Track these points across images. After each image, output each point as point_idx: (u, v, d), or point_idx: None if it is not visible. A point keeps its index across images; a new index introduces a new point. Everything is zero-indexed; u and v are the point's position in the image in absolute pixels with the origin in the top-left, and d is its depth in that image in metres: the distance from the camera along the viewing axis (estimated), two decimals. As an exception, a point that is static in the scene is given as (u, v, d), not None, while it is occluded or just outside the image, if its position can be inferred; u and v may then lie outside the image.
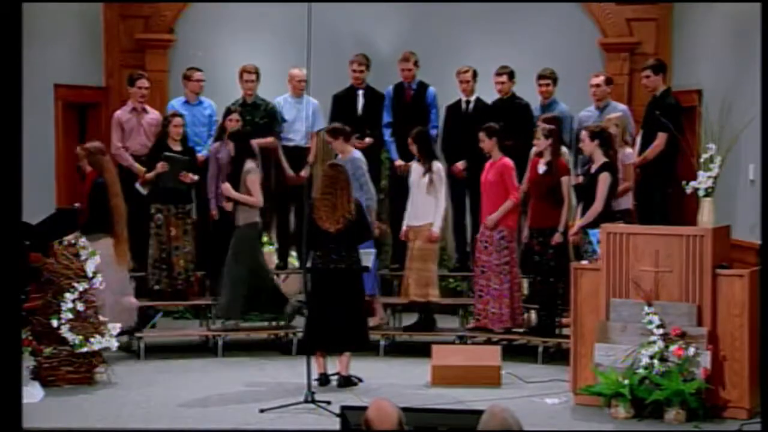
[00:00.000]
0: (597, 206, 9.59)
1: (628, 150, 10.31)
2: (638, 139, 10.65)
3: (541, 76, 11.22)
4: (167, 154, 10.87)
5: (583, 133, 9.80)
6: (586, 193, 9.80)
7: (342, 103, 11.65)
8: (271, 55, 12.22)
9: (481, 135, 10.44)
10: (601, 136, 9.65)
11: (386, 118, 11.56)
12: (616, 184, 9.75)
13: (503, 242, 10.32)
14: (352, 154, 10.61)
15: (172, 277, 10.92)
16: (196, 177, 10.97)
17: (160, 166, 10.86)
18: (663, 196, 10.36)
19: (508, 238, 10.33)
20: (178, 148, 10.97)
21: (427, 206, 10.45)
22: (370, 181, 10.72)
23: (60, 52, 11.73)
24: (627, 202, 10.29)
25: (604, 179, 9.57)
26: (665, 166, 10.33)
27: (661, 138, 10.29)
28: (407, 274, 10.65)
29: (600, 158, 9.64)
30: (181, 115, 11.08)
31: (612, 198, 9.72)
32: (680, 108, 10.53)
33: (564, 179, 10.10)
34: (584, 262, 9.14)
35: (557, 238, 10.08)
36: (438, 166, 10.51)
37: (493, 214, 10.27)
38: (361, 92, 11.65)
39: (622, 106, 11.08)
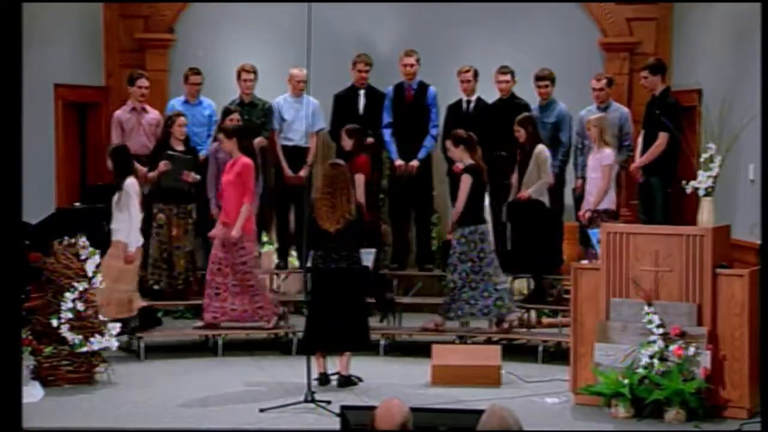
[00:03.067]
0: (458, 207, 10.10)
1: (607, 150, 10.32)
2: (640, 140, 10.64)
3: (539, 78, 11.19)
4: (170, 153, 10.87)
5: (448, 142, 10.27)
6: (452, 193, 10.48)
7: (343, 103, 11.65)
8: (271, 54, 12.22)
9: (220, 136, 10.49)
10: (463, 140, 10.08)
11: (386, 118, 11.55)
12: (480, 186, 10.09)
13: (240, 242, 10.23)
14: None
15: (173, 276, 10.91)
16: (198, 176, 10.96)
17: (163, 165, 10.86)
18: (664, 196, 10.36)
19: (242, 240, 10.23)
20: (180, 147, 10.97)
21: (117, 224, 10.13)
22: None
23: (60, 51, 11.73)
24: (608, 202, 10.33)
25: (466, 180, 10.03)
26: (666, 165, 10.32)
27: (662, 138, 10.28)
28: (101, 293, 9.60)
29: (467, 161, 10.05)
30: (184, 115, 11.08)
31: (475, 199, 10.04)
32: (679, 107, 10.53)
33: (357, 177, 10.30)
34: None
35: None
36: (129, 182, 10.05)
37: (236, 224, 10.11)
38: (362, 92, 11.65)
39: (624, 109, 11.06)
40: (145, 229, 10.83)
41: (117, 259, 10.07)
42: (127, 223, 10.06)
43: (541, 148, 10.64)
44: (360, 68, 11.60)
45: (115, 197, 10.07)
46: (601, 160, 10.29)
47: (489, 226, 10.54)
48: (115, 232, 10.12)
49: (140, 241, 10.23)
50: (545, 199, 10.70)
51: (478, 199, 10.15)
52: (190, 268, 10.97)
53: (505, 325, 10.33)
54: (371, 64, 11.65)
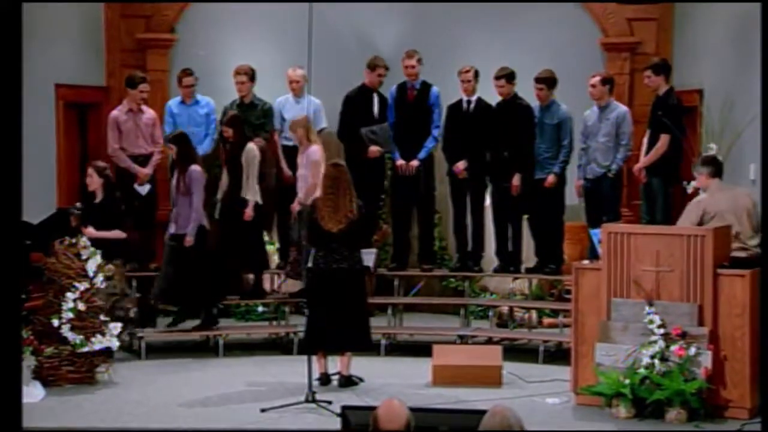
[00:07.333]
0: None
1: (313, 147, 10.62)
2: (645, 140, 10.63)
3: (535, 80, 11.07)
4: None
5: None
6: None
7: (356, 104, 11.49)
8: (273, 54, 12.21)
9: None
10: None
11: (389, 118, 11.51)
12: None
13: None
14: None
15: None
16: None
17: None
18: (666, 196, 10.35)
19: None
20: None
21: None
22: None
23: (61, 51, 11.71)
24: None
25: None
26: (667, 166, 10.32)
27: (663, 139, 10.26)
28: None
29: None
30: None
31: None
32: (682, 108, 10.50)
33: None
34: None
35: None
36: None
37: None
38: (375, 94, 11.53)
39: (622, 108, 11.01)
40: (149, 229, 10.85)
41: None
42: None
43: (250, 147, 10.86)
44: (380, 72, 11.48)
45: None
46: (309, 156, 10.60)
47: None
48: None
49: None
50: (257, 197, 10.88)
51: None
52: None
53: None
54: (388, 68, 11.57)
